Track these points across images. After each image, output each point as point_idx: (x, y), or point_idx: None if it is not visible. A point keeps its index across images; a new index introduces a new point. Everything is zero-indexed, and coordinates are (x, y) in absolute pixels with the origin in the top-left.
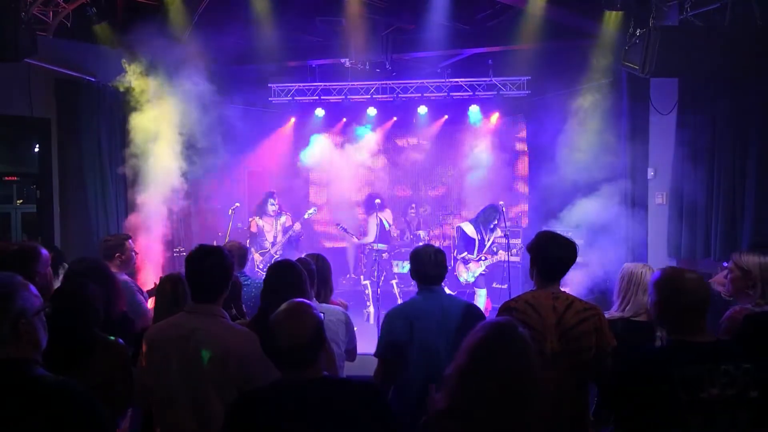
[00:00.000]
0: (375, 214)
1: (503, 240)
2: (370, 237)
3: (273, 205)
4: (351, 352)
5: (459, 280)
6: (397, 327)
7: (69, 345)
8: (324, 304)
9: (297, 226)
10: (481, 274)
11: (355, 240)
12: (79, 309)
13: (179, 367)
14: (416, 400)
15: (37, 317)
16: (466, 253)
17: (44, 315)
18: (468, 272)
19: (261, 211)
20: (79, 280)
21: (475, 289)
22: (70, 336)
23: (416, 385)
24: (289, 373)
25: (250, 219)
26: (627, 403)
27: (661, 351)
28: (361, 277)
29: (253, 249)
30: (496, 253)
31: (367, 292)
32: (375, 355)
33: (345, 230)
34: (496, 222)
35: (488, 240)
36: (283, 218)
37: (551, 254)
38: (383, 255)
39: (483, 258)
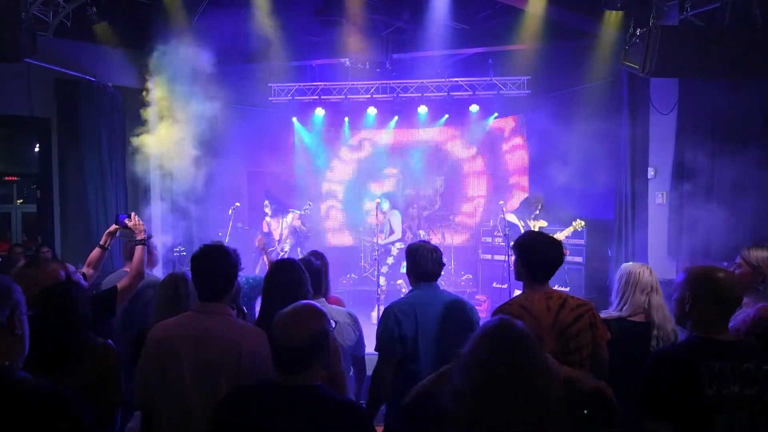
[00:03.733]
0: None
1: (502, 243)
2: (397, 235)
3: (266, 206)
4: (359, 360)
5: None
6: (402, 321)
7: (59, 347)
8: (332, 306)
9: (296, 222)
10: None
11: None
12: (68, 311)
13: (190, 368)
14: None
15: (24, 317)
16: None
17: (27, 319)
18: None
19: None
20: (66, 283)
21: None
22: (60, 338)
23: (419, 379)
24: (281, 374)
25: (264, 219)
26: (660, 400)
27: (687, 346)
28: (382, 278)
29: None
30: None
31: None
32: (376, 349)
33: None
34: (537, 212)
35: (535, 228)
36: (289, 217)
37: (541, 255)
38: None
39: None
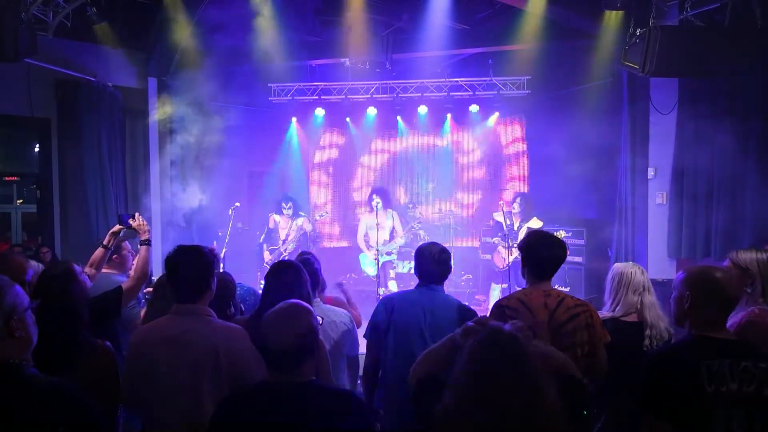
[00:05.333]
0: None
1: (503, 243)
2: (400, 239)
3: (287, 209)
4: (353, 360)
5: (495, 268)
6: (379, 310)
7: (54, 347)
8: (328, 306)
9: (308, 227)
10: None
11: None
12: (64, 311)
13: (169, 370)
14: (394, 388)
15: (27, 314)
16: (497, 237)
17: (33, 313)
18: (500, 257)
19: (278, 209)
20: (63, 283)
21: (492, 283)
22: (56, 338)
23: (394, 373)
24: (275, 374)
25: (269, 214)
26: (659, 398)
27: (686, 345)
28: (392, 282)
29: (265, 246)
30: (516, 238)
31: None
32: (364, 335)
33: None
34: (516, 210)
35: (519, 228)
36: (300, 220)
37: (542, 253)
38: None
39: (513, 245)
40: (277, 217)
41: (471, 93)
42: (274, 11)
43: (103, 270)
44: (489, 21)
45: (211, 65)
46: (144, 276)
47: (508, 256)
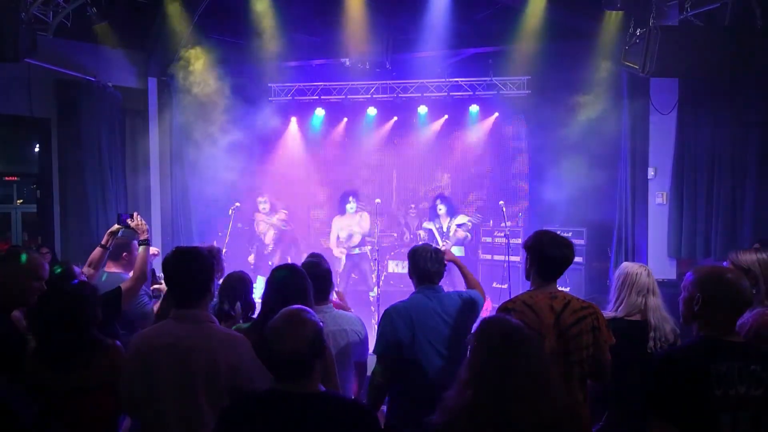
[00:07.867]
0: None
1: (503, 239)
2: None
3: (262, 203)
4: (361, 366)
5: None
6: (398, 325)
7: (67, 344)
8: (340, 311)
9: (280, 225)
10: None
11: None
12: (64, 311)
13: (168, 377)
14: (420, 399)
15: None
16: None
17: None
18: None
19: (257, 210)
20: (76, 281)
21: None
22: (68, 335)
23: (420, 384)
24: (283, 383)
25: (254, 215)
26: (667, 400)
27: (695, 347)
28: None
29: (251, 249)
30: (448, 237)
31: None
32: (374, 352)
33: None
34: (442, 212)
35: (447, 228)
36: (274, 218)
37: (550, 254)
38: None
39: (444, 244)
40: (257, 219)
41: (471, 93)
42: (274, 11)
43: (113, 269)
44: (489, 21)
45: (210, 65)
46: (143, 276)
47: None
